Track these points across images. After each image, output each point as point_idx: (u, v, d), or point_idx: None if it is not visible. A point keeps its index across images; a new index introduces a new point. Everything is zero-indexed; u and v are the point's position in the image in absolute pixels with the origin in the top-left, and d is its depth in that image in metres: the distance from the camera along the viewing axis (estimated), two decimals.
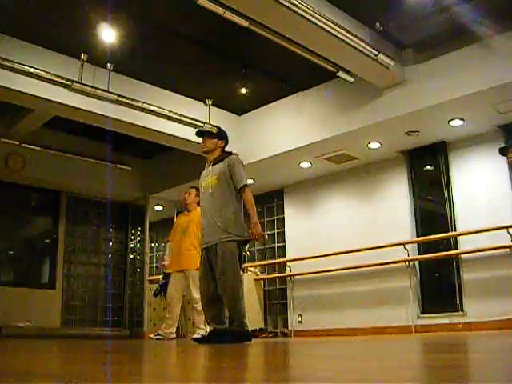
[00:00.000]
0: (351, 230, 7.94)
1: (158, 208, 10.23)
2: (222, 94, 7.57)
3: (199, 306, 5.94)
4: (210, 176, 4.35)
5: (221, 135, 4.51)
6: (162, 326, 6.22)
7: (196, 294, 5.95)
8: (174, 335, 6.00)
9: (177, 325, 6.18)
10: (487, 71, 5.74)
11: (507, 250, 6.27)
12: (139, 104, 6.91)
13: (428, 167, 7.58)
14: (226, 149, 4.60)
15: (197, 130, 4.64)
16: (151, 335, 6.40)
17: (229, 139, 4.61)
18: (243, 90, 7.12)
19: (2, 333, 7.58)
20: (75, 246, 9.52)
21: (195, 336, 5.85)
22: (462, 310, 6.63)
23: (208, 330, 5.95)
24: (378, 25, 5.86)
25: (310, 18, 5.08)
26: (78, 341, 6.56)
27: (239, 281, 4.21)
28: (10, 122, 7.79)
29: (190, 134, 7.54)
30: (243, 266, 8.63)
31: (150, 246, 10.13)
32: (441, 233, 6.93)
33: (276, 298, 8.85)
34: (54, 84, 6.20)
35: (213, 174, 4.32)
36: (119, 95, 6.68)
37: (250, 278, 8.64)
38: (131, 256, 10.23)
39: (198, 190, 6.33)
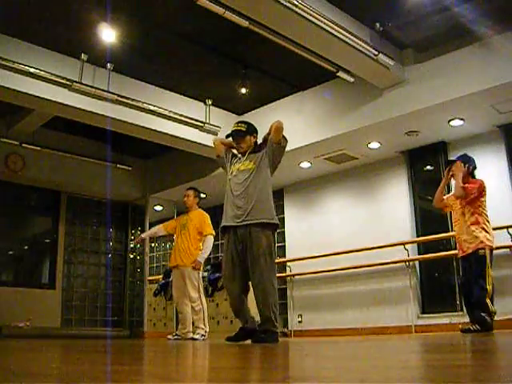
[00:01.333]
0: (351, 230, 7.94)
1: (158, 208, 10.23)
2: (222, 94, 7.57)
3: (197, 306, 5.90)
4: (245, 162, 4.20)
5: (251, 130, 4.34)
6: (180, 327, 6.22)
7: (193, 293, 5.92)
8: (191, 334, 5.97)
9: (189, 322, 6.12)
10: (487, 71, 5.74)
11: (507, 249, 6.28)
12: (139, 104, 6.91)
13: (428, 167, 7.58)
14: None
15: (227, 133, 4.39)
16: (169, 336, 6.37)
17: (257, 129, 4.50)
18: (243, 90, 7.12)
19: (2, 333, 7.59)
20: (75, 246, 9.53)
21: (195, 336, 5.84)
22: (462, 310, 6.62)
23: (207, 329, 5.95)
24: (378, 25, 5.86)
25: (310, 18, 5.08)
26: (78, 341, 6.55)
27: (273, 273, 4.02)
28: (10, 122, 7.80)
29: (190, 133, 7.56)
30: None
31: (150, 246, 10.13)
32: (441, 233, 6.93)
33: None
34: (54, 84, 6.21)
35: (249, 160, 4.18)
36: (119, 95, 6.69)
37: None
38: (131, 256, 10.23)
39: (195, 190, 6.34)
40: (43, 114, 7.32)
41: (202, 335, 5.83)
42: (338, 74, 6.46)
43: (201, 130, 7.61)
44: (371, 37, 5.89)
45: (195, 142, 7.65)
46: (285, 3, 4.84)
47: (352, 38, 5.50)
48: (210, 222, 6.14)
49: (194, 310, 5.94)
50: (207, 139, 7.65)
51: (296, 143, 7.41)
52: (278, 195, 9.15)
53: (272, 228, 4.06)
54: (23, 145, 8.09)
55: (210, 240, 6.06)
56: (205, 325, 5.90)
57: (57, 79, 6.18)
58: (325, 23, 5.20)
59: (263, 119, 7.89)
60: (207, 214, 6.21)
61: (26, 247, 9.41)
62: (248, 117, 8.02)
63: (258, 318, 4.12)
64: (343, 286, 7.89)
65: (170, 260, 6.28)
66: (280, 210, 9.11)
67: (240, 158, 4.29)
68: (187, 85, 7.31)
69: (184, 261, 5.99)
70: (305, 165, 8.06)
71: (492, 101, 6.04)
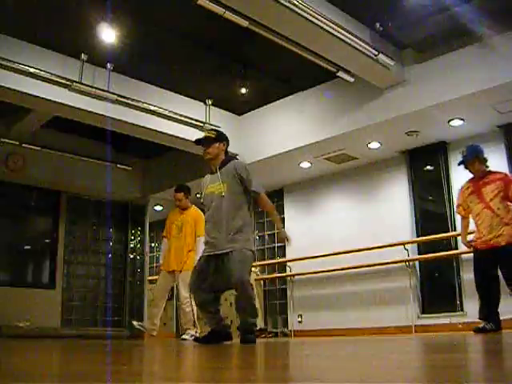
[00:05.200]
0: (351, 229, 7.93)
1: (158, 208, 10.22)
2: (222, 94, 7.57)
3: (187, 307, 5.82)
4: (219, 183, 4.10)
5: (221, 137, 4.24)
6: (148, 322, 6.19)
7: (185, 293, 5.79)
8: (155, 333, 5.94)
9: (158, 322, 6.09)
10: (487, 71, 5.74)
11: None
12: (139, 104, 6.90)
13: (428, 167, 7.58)
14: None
15: (194, 139, 4.36)
16: (134, 322, 6.36)
17: (229, 139, 4.45)
18: (243, 90, 7.12)
19: (2, 333, 7.58)
20: (75, 246, 9.51)
21: (184, 337, 5.82)
22: (461, 309, 6.64)
23: (198, 330, 5.93)
24: (377, 25, 5.86)
25: (310, 18, 5.08)
26: (78, 341, 6.55)
27: (252, 290, 4.33)
28: (10, 122, 7.79)
29: (190, 134, 7.55)
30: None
31: (150, 246, 10.12)
32: (441, 233, 6.93)
33: (276, 298, 8.85)
34: (54, 84, 6.20)
35: (221, 181, 4.08)
36: (119, 95, 6.68)
37: (250, 278, 8.63)
38: (131, 256, 10.22)
39: (184, 190, 6.16)
40: (43, 114, 7.31)
41: (192, 335, 5.81)
42: (337, 74, 6.46)
43: (201, 130, 7.59)
44: (371, 37, 5.89)
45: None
46: (285, 3, 4.84)
47: (352, 37, 5.50)
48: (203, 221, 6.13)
49: (183, 312, 5.88)
50: None
51: (296, 143, 7.42)
52: (278, 195, 9.16)
53: (251, 250, 4.35)
54: (23, 145, 8.08)
55: (202, 241, 6.04)
56: (195, 326, 5.86)
57: (57, 79, 6.17)
58: (325, 23, 5.21)
59: (263, 119, 7.91)
60: (202, 213, 6.19)
61: (25, 247, 9.39)
62: (248, 117, 8.03)
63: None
64: (343, 286, 7.89)
65: (164, 264, 6.13)
66: (280, 210, 9.10)
67: (211, 177, 4.23)
68: (187, 85, 7.31)
69: (180, 266, 5.93)
70: (305, 165, 8.05)
71: (492, 101, 6.04)
